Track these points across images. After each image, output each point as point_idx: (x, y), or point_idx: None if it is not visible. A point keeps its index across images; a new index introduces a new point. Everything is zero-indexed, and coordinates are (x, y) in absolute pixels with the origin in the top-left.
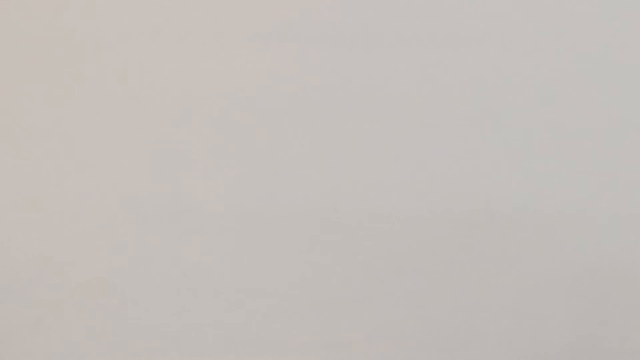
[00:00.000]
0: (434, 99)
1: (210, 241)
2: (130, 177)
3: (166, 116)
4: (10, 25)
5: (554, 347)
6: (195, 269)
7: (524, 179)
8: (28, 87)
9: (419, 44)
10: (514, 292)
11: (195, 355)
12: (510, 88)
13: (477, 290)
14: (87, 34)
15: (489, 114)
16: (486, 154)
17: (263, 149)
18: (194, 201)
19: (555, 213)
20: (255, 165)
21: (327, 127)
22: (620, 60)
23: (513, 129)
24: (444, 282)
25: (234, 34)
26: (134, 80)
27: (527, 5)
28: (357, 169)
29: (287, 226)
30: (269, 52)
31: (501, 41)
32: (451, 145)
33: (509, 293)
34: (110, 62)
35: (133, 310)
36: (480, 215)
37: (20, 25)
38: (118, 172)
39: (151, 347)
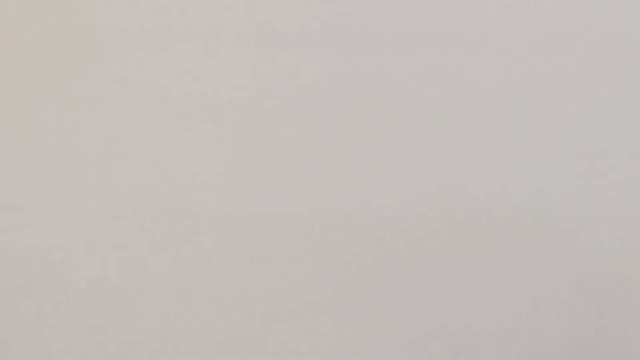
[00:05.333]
0: (434, 100)
1: (210, 242)
2: (130, 179)
3: (167, 118)
4: (11, 26)
5: (554, 347)
6: (196, 270)
7: (524, 179)
8: (29, 87)
9: (420, 46)
10: (514, 292)
11: (196, 355)
12: (510, 89)
13: (477, 290)
14: (88, 35)
15: (488, 115)
16: (486, 154)
17: (263, 150)
18: (194, 203)
19: (555, 213)
20: (255, 166)
21: (327, 128)
22: (620, 60)
23: (513, 130)
24: (443, 282)
25: (234, 37)
26: (135, 81)
27: (526, 7)
28: (357, 169)
29: (287, 227)
30: (270, 55)
31: (501, 42)
32: (451, 145)
33: (509, 293)
34: (111, 64)
35: (133, 311)
36: (480, 215)
37: (21, 25)
38: (119, 173)
39: (152, 348)
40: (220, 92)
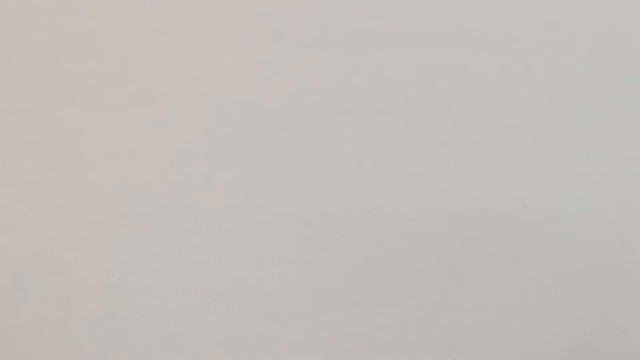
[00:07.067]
0: (434, 99)
1: (211, 241)
2: (131, 178)
3: (167, 118)
4: (10, 26)
5: (555, 347)
6: (197, 269)
7: (524, 179)
8: (30, 87)
9: (420, 45)
10: (515, 292)
11: (196, 355)
12: (511, 88)
13: (477, 290)
14: (87, 35)
15: (489, 114)
16: (486, 154)
17: (263, 149)
18: (195, 202)
19: (555, 213)
20: (256, 165)
21: (327, 128)
22: (620, 60)
23: (513, 129)
24: (444, 282)
25: (234, 36)
26: (135, 81)
27: (527, 6)
28: (357, 169)
29: (287, 226)
30: (270, 54)
31: (501, 41)
32: (452, 145)
33: (510, 293)
34: (111, 63)
35: (134, 310)
36: (480, 215)
37: (20, 25)
38: (119, 172)
39: (152, 347)
40: (220, 92)
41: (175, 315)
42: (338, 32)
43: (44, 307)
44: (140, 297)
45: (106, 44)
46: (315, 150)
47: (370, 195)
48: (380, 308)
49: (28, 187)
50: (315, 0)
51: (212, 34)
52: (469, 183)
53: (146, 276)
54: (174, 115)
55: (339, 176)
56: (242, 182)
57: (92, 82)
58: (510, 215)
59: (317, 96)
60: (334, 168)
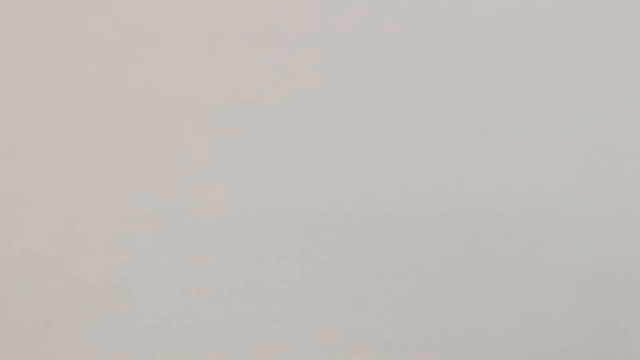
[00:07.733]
0: (435, 100)
1: (211, 241)
2: (131, 178)
3: (167, 118)
4: (10, 26)
5: (555, 348)
6: (197, 269)
7: (525, 179)
8: (30, 87)
9: (420, 45)
10: (515, 292)
11: (196, 355)
12: (510, 88)
13: (478, 290)
14: (87, 34)
15: (489, 115)
16: (487, 154)
17: (263, 149)
18: (195, 202)
19: (555, 213)
20: (256, 165)
21: (327, 128)
22: (620, 60)
23: (513, 130)
24: (444, 282)
25: (234, 36)
26: (135, 81)
27: (527, 6)
28: (357, 169)
29: (288, 226)
30: (270, 54)
31: (501, 41)
32: (452, 145)
33: (510, 293)
34: (111, 63)
35: (134, 310)
36: (481, 216)
37: (20, 25)
38: (119, 172)
39: (155, 348)
40: (220, 92)
41: (175, 315)
42: (338, 32)
43: (43, 307)
44: (140, 297)
45: (106, 44)
46: (315, 150)
47: (370, 195)
48: (380, 308)
49: (28, 187)
50: (315, 0)
51: (212, 34)
52: (469, 183)
53: (146, 276)
54: (174, 116)
55: (339, 176)
56: (242, 182)
57: (92, 82)
58: (511, 215)
59: (317, 96)
60: (334, 168)
